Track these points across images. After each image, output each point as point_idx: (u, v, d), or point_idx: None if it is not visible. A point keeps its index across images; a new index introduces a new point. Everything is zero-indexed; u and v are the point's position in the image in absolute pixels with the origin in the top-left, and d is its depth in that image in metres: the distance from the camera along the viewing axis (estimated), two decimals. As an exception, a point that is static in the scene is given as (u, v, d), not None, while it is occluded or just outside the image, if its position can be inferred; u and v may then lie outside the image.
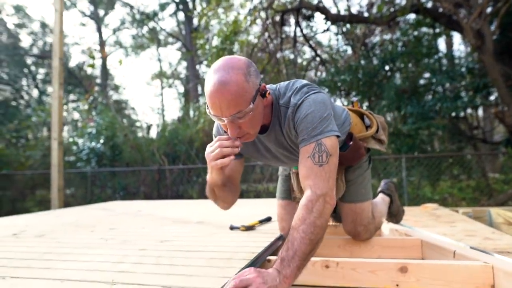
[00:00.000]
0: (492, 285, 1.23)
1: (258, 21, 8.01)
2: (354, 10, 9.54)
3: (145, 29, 21.78)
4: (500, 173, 7.22)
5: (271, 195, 7.14)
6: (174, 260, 1.41)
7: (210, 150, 1.27)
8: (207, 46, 8.06)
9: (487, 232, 2.43)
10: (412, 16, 8.21)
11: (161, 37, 22.68)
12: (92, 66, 7.12)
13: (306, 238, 1.08)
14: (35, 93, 18.53)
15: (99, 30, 21.24)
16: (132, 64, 34.66)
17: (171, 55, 38.27)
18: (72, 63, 19.91)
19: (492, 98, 8.08)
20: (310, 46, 9.67)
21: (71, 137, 11.12)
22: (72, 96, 18.27)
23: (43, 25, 18.83)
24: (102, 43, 20.78)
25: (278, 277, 1.02)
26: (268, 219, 2.43)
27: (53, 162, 5.36)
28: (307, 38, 9.33)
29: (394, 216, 2.11)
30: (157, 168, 8.00)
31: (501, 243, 2.06)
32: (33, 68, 18.75)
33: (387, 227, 2.29)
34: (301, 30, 8.79)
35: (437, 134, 7.83)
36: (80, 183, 8.76)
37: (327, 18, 8.22)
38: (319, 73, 10.68)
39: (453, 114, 7.43)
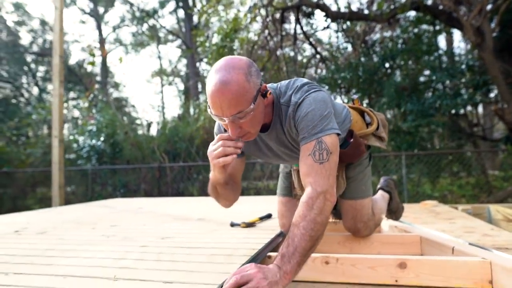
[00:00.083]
0: (490, 281, 1.25)
1: (258, 18, 8.00)
2: (354, 7, 9.53)
3: (145, 26, 21.77)
4: (500, 170, 7.24)
5: (271, 192, 7.16)
6: (175, 257, 1.42)
7: (213, 148, 1.28)
8: (207, 44, 8.05)
9: (486, 229, 2.45)
10: (412, 13, 8.20)
11: (161, 34, 22.66)
12: (92, 63, 7.12)
13: (306, 234, 1.09)
14: (35, 91, 18.55)
15: (99, 27, 21.22)
16: (132, 62, 34.60)
17: (171, 53, 38.17)
18: (72, 61, 19.92)
19: (492, 95, 8.09)
20: (310, 43, 9.66)
21: (71, 134, 11.12)
22: (72, 94, 18.26)
23: (43, 23, 18.82)
24: (102, 41, 20.76)
25: (278, 272, 1.03)
26: (269, 216, 2.44)
27: (53, 160, 5.37)
28: (307, 36, 9.33)
29: (394, 212, 2.13)
30: (157, 166, 8.02)
31: (499, 239, 2.08)
32: (33, 66, 18.74)
33: (386, 223, 2.30)
34: (301, 28, 8.78)
35: (437, 131, 7.84)
36: (80, 180, 8.78)
37: (327, 16, 8.21)
38: (319, 71, 10.68)
39: (453, 111, 7.44)
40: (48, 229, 2.26)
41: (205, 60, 10.62)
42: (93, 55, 7.01)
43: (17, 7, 17.52)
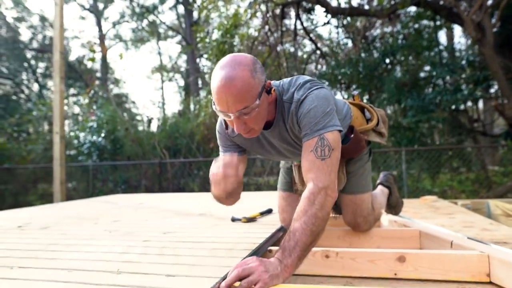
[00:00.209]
0: (487, 274, 1.27)
1: (259, 14, 7.98)
2: (354, 3, 9.48)
3: (145, 22, 21.70)
4: (500, 165, 7.25)
5: (272, 188, 7.18)
6: (177, 251, 1.44)
7: (214, 171, 1.27)
8: (207, 40, 8.04)
9: (484, 223, 2.47)
10: (412, 9, 8.18)
11: (161, 30, 22.60)
12: (93, 60, 7.13)
13: (307, 229, 1.11)
14: (35, 87, 18.53)
15: (98, 23, 21.16)
16: (132, 58, 34.60)
17: (171, 49, 38.21)
18: (72, 57, 19.88)
19: (492, 91, 8.09)
20: (311, 39, 9.65)
21: (72, 131, 11.14)
22: (72, 90, 18.25)
23: (43, 19, 18.75)
24: (102, 37, 20.72)
25: (279, 266, 1.05)
26: (269, 211, 2.46)
27: (55, 156, 5.39)
28: (307, 31, 9.31)
29: (393, 207, 2.14)
30: (158, 162, 8.04)
31: (498, 233, 2.10)
32: (33, 62, 18.71)
33: (386, 218, 2.32)
34: (302, 23, 8.76)
35: (437, 127, 7.85)
36: (81, 176, 8.81)
37: (327, 11, 8.19)
38: (319, 66, 10.68)
39: (453, 107, 7.44)
40: (51, 224, 2.28)
41: (205, 56, 10.62)
42: (94, 51, 7.01)
43: (17, 3, 17.46)
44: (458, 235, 1.74)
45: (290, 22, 9.31)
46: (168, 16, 35.82)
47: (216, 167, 1.25)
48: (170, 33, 22.66)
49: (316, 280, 1.39)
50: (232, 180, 1.22)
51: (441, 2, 6.74)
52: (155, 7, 20.09)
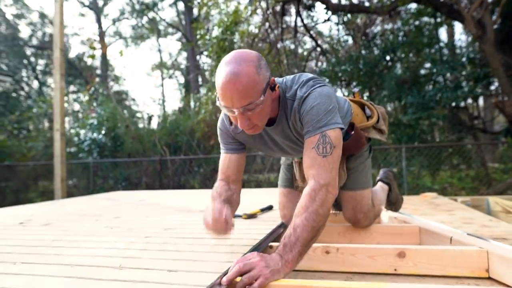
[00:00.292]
0: (486, 269, 1.27)
1: (259, 11, 7.97)
2: (355, 0, 9.47)
3: (144, 19, 21.66)
4: (500, 162, 7.26)
5: (272, 185, 7.20)
6: (178, 247, 1.45)
7: (206, 219, 1.24)
8: (207, 37, 8.03)
9: (484, 220, 2.48)
10: (413, 6, 8.16)
11: (161, 27, 22.55)
12: (93, 57, 7.12)
13: (308, 225, 1.12)
14: (35, 84, 18.52)
15: (98, 20, 21.13)
16: (132, 55, 34.53)
17: (171, 46, 38.05)
18: (71, 54, 19.85)
19: (492, 88, 8.08)
20: (311, 36, 9.64)
21: (72, 128, 11.14)
22: (72, 87, 18.24)
23: (42, 16, 18.74)
24: (101, 34, 20.68)
25: (280, 261, 1.06)
26: (270, 208, 2.47)
27: (55, 153, 5.40)
28: (307, 28, 9.29)
29: (393, 204, 2.15)
30: (158, 159, 8.05)
31: (497, 230, 2.11)
32: (32, 59, 18.69)
33: (386, 215, 2.33)
34: (302, 20, 8.75)
35: (437, 124, 7.85)
36: (82, 174, 8.82)
37: (327, 8, 8.17)
38: (319, 64, 10.67)
39: (454, 104, 7.44)
40: (52, 221, 2.30)
41: (206, 53, 10.60)
42: (94, 49, 7.00)
43: (16, 0, 17.43)
44: (458, 231, 1.75)
45: (291, 19, 9.31)
46: (168, 13, 35.67)
47: (208, 215, 1.22)
48: (170, 30, 22.62)
49: (316, 275, 1.40)
50: (223, 230, 1.19)
51: (442, -1, 6.73)
52: (155, 4, 20.04)
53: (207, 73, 12.82)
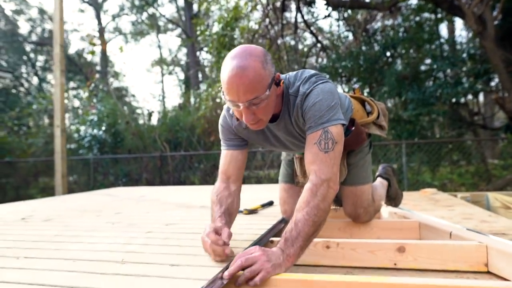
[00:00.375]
0: (485, 264, 1.29)
1: (259, 7, 7.94)
2: (355, -5, 9.42)
3: (144, 15, 21.59)
4: (499, 158, 7.27)
5: (272, 181, 7.21)
6: (180, 242, 1.46)
7: (203, 239, 1.21)
8: (207, 33, 8.01)
9: (483, 215, 2.49)
10: (413, 1, 8.16)
11: (161, 23, 22.48)
12: (93, 53, 7.10)
13: (309, 220, 1.13)
14: (35, 80, 18.48)
15: (98, 16, 21.05)
16: (132, 51, 34.43)
17: (171, 42, 38.00)
18: (71, 50, 19.80)
19: (492, 84, 8.08)
20: (311, 32, 9.60)
21: (72, 124, 11.14)
22: (72, 84, 18.21)
23: (41, 12, 18.66)
24: (101, 30, 20.62)
25: (281, 255, 1.07)
26: (270, 203, 2.48)
27: (56, 149, 5.41)
28: (308, 24, 9.26)
29: (393, 199, 2.16)
30: (159, 155, 8.06)
31: (497, 225, 2.12)
32: (32, 55, 18.65)
33: (386, 210, 2.34)
34: (302, 16, 8.72)
35: (438, 120, 7.86)
36: (82, 170, 8.83)
37: (328, 4, 8.16)
38: (320, 60, 10.64)
39: (454, 100, 7.44)
40: (53, 216, 2.31)
41: (206, 49, 10.59)
42: (94, 45, 6.98)
43: (15, -5, 17.37)
44: (457, 226, 1.76)
45: (291, 15, 9.28)
46: (167, 9, 35.65)
47: (206, 238, 1.18)
48: (170, 26, 22.55)
49: (317, 270, 1.41)
50: (220, 255, 1.14)
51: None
52: (154, 0, 19.97)
53: (207, 69, 12.81)
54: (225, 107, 1.52)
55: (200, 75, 16.46)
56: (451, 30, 10.89)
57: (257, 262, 1.02)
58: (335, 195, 1.23)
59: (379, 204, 1.97)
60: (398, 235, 1.80)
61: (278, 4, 8.06)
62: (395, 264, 1.37)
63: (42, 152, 9.84)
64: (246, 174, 7.87)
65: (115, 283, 0.96)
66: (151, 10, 20.74)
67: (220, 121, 1.53)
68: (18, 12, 17.85)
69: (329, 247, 1.45)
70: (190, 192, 3.98)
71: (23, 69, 17.99)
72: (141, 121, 11.19)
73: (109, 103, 9.14)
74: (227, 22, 7.43)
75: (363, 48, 8.64)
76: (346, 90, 8.82)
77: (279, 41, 8.61)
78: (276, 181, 2.04)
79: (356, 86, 8.29)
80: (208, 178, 7.84)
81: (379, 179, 2.15)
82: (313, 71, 1.37)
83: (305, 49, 11.45)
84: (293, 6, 8.86)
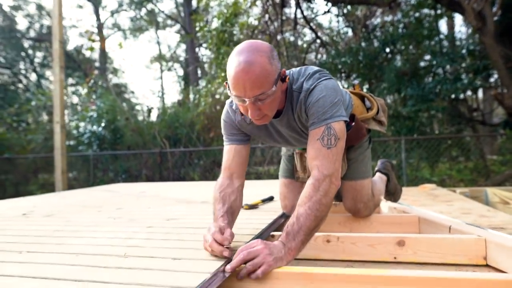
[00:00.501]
0: (484, 257, 1.30)
1: (258, 2, 7.93)
2: (355, -9, 9.39)
3: (143, 11, 21.49)
4: (498, 154, 7.29)
5: (272, 177, 7.23)
6: (181, 236, 1.47)
7: (205, 239, 1.20)
8: (206, 29, 7.99)
9: (482, 210, 2.50)
10: (413, -3, 8.13)
11: (160, 19, 22.39)
12: (92, 49, 7.08)
13: (311, 214, 1.14)
14: (33, 77, 18.43)
15: (96, 12, 20.96)
16: (130, 47, 34.31)
17: (170, 38, 37.84)
18: (69, 46, 19.73)
19: (492, 80, 8.08)
20: (311, 28, 9.58)
21: (71, 121, 11.13)
22: (70, 80, 18.16)
23: (39, 7, 18.58)
24: (100, 26, 20.53)
25: (283, 249, 1.09)
26: (271, 199, 2.49)
27: (56, 146, 5.41)
28: (307, 20, 9.24)
29: (392, 194, 2.17)
30: (158, 151, 8.06)
31: (495, 220, 2.13)
32: (30, 51, 18.57)
33: (386, 205, 2.35)
34: (302, 12, 8.70)
35: (437, 116, 7.87)
36: (82, 166, 8.84)
37: (328, 0, 8.13)
38: (319, 56, 10.62)
39: (453, 96, 7.45)
40: (54, 212, 2.31)
41: (205, 45, 10.56)
42: (93, 41, 6.96)
43: (13, -9, 17.28)
44: (457, 220, 1.77)
45: (290, 10, 9.23)
46: (166, 4, 35.51)
47: (212, 234, 1.17)
48: (169, 22, 22.46)
49: (317, 264, 1.42)
50: (218, 253, 1.12)
51: (442, -9, 6.69)
52: (153, -4, 19.88)
53: (206, 66, 12.78)
54: (227, 102, 1.52)
55: (199, 72, 16.42)
56: (451, 26, 10.87)
57: (259, 255, 1.03)
58: (336, 191, 1.24)
59: (378, 199, 1.98)
60: (398, 230, 1.81)
61: (278, 0, 8.04)
62: (395, 258, 1.39)
63: (42, 148, 9.84)
64: (246, 170, 7.88)
65: (118, 276, 0.97)
66: (149, 6, 20.65)
67: (223, 116, 1.53)
68: (16, 8, 17.78)
69: (330, 241, 1.46)
70: (190, 188, 3.99)
71: (22, 66, 17.93)
72: (140, 118, 11.20)
73: (108, 99, 9.13)
74: (226, 18, 7.42)
75: (363, 44, 8.63)
76: (346, 86, 8.81)
77: (278, 37, 8.60)
78: (276, 177, 2.05)
79: (356, 82, 8.29)
80: (208, 174, 7.86)
81: (378, 174, 2.16)
82: (316, 68, 1.38)
83: (305, 45, 11.40)
84: (292, 1, 8.83)
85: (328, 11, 9.70)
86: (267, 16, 8.13)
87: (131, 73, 34.51)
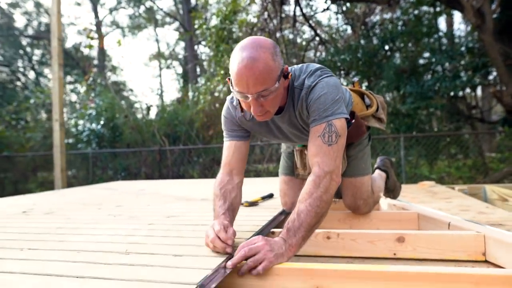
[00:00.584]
0: (483, 253, 1.31)
1: (257, 0, 7.91)
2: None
3: (142, 8, 21.42)
4: (497, 152, 7.31)
5: (271, 174, 7.23)
6: (182, 233, 1.47)
7: (208, 234, 1.21)
8: (205, 26, 7.97)
9: (481, 207, 2.51)
10: (412, -5, 8.12)
11: (158, 17, 22.34)
12: (91, 47, 7.06)
13: (312, 211, 1.15)
14: (31, 74, 18.38)
15: (95, 10, 20.90)
16: (129, 45, 34.20)
17: (169, 36, 37.75)
18: (68, 44, 19.67)
19: (490, 77, 8.09)
20: (310, 25, 9.57)
21: (70, 118, 11.11)
22: (69, 78, 18.11)
23: (38, 5, 18.51)
24: (98, 23, 20.47)
25: (284, 245, 1.09)
26: (270, 196, 2.50)
27: (55, 143, 5.41)
28: (306, 18, 9.23)
29: (391, 191, 2.18)
30: (158, 149, 8.06)
31: (494, 216, 2.14)
32: (28, 49, 18.51)
33: (385, 202, 2.36)
34: (301, 9, 8.69)
35: (436, 113, 7.88)
36: (81, 164, 8.83)
37: (327, -3, 8.12)
38: (318, 53, 10.61)
39: (452, 93, 7.46)
40: (54, 209, 2.32)
41: (204, 43, 10.54)
42: (92, 38, 6.95)
43: (11, -11, 17.20)
44: (456, 217, 1.78)
45: (289, 8, 9.22)
46: (165, 2, 35.37)
47: (216, 232, 1.17)
48: (168, 19, 22.41)
49: (318, 260, 1.43)
50: (220, 249, 1.13)
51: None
52: (151, -7, 19.81)
53: (205, 63, 12.76)
54: (228, 98, 1.52)
55: (198, 69, 16.39)
56: (450, 23, 10.86)
57: (260, 251, 1.04)
58: (337, 187, 1.25)
59: (378, 196, 1.99)
60: (397, 226, 1.82)
61: (277, -3, 8.02)
62: (394, 254, 1.40)
63: (40, 146, 9.83)
64: (245, 167, 7.88)
65: (120, 272, 0.98)
66: (148, 4, 20.58)
67: (223, 112, 1.53)
68: (14, 5, 17.71)
69: (330, 238, 1.47)
70: (189, 185, 4.00)
71: (20, 63, 17.87)
72: (139, 115, 11.17)
73: (107, 97, 9.11)
74: (225, 15, 7.40)
75: (362, 41, 8.63)
76: (345, 83, 8.82)
77: (277, 35, 8.59)
78: (275, 175, 2.05)
79: (356, 79, 8.28)
80: (207, 172, 7.86)
81: (377, 171, 2.17)
82: (318, 65, 1.39)
83: (304, 43, 11.39)
84: (291, -1, 8.82)
85: (327, 9, 9.70)
86: (266, 13, 8.12)
87: (130, 71, 34.44)
